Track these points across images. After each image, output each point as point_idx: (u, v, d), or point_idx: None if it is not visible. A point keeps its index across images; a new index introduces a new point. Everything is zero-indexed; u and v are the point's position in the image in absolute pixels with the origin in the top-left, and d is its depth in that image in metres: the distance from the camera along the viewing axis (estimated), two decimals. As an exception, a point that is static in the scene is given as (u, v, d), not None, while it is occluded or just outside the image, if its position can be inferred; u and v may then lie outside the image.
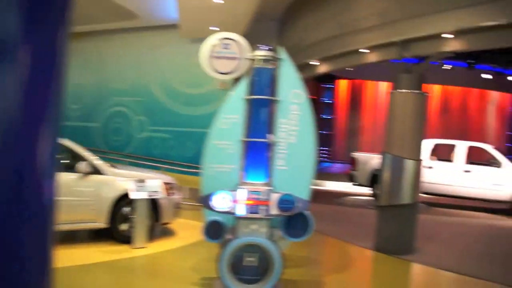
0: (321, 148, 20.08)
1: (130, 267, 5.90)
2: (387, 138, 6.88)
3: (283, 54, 4.75)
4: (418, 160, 6.76)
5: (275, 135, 4.68)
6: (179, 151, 14.29)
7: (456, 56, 15.75)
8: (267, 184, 4.59)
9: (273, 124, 4.69)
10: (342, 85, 20.12)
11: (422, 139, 6.85)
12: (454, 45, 6.28)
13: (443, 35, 6.29)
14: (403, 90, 6.62)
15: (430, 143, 12.31)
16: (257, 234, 4.49)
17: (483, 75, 17.38)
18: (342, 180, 15.26)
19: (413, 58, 6.90)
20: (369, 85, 19.92)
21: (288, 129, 4.67)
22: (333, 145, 20.24)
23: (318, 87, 18.34)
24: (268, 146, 4.67)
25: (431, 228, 9.25)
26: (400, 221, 6.81)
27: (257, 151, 4.67)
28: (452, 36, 6.22)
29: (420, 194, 12.48)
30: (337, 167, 19.24)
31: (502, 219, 11.22)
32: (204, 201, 4.60)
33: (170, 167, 13.09)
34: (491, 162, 11.76)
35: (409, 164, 6.64)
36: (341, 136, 20.19)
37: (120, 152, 15.13)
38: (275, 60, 4.72)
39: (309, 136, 4.69)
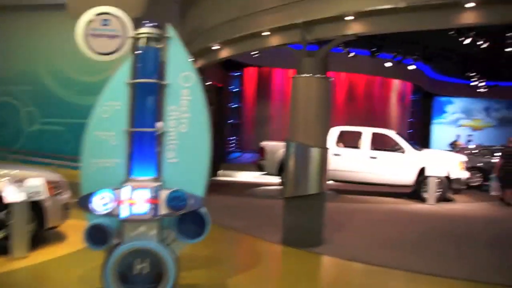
0: (230, 138, 19.79)
1: (6, 283, 5.11)
2: (291, 125, 6.62)
3: (171, 32, 4.23)
4: (324, 148, 6.57)
5: (164, 124, 4.18)
6: (75, 145, 13.16)
7: (359, 44, 16.10)
8: (156, 180, 4.09)
9: (161, 111, 4.19)
10: (250, 73, 19.87)
11: (327, 126, 6.68)
12: (356, 28, 6.14)
13: (346, 18, 6.12)
14: (306, 75, 6.38)
15: (336, 130, 12.41)
16: (146, 238, 3.99)
17: (386, 64, 17.99)
18: (252, 170, 15.08)
19: (316, 42, 6.68)
20: (278, 72, 19.83)
21: (179, 116, 4.19)
22: (242, 135, 20.00)
23: (226, 75, 17.93)
24: (156, 137, 4.17)
25: (340, 216, 9.24)
26: (307, 212, 6.60)
27: (144, 142, 4.14)
28: (353, 18, 6.07)
29: (328, 182, 12.67)
30: (247, 157, 19.06)
31: (406, 203, 11.60)
32: (83, 203, 4.01)
33: (64, 162, 12.06)
34: (395, 148, 12.10)
35: (314, 152, 6.43)
36: (250, 125, 19.99)
37: (7, 148, 13.72)
38: (162, 38, 4.19)
39: (202, 124, 4.24)
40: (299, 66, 6.50)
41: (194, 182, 4.19)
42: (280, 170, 12.36)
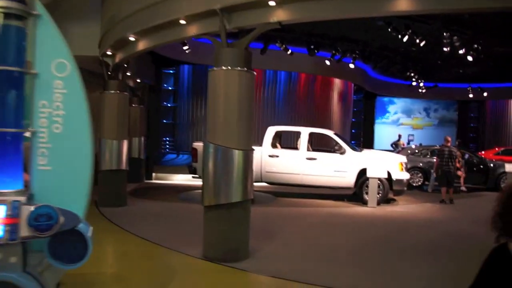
0: (165, 138, 18.87)
1: None
2: (209, 125, 5.94)
3: (40, 8, 3.44)
4: (247, 150, 5.92)
5: (32, 123, 3.41)
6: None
7: (297, 42, 15.67)
8: (22, 193, 3.30)
9: (29, 107, 3.41)
10: (185, 70, 18.99)
11: (250, 125, 6.03)
12: (279, 15, 5.52)
13: (268, 3, 5.50)
14: (225, 68, 5.72)
15: (272, 130, 11.87)
16: (3, 267, 3.18)
17: (327, 62, 17.61)
18: (187, 173, 14.29)
19: (237, 31, 6.03)
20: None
21: (51, 113, 3.43)
22: (177, 135, 19.09)
23: (159, 72, 16.98)
24: (23, 138, 3.39)
25: (274, 223, 8.68)
26: (230, 222, 5.94)
27: (6, 146, 3.35)
28: (275, 4, 5.46)
29: (264, 184, 12.15)
30: (183, 158, 18.23)
31: (346, 205, 11.21)
32: None
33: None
34: (334, 148, 11.67)
35: (236, 155, 5.77)
36: (185, 125, 19.12)
37: None
38: (27, 16, 3.40)
39: (81, 124, 3.50)
40: (218, 58, 5.83)
41: (72, 195, 3.46)
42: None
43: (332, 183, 11.49)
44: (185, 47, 13.73)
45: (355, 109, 26.15)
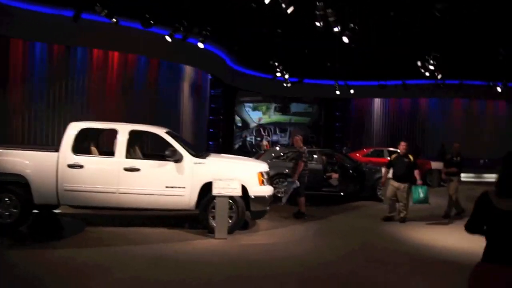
0: None
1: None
2: None
3: None
4: None
5: None
6: None
7: (130, 14, 12.20)
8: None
9: None
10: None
11: None
12: None
13: None
14: None
15: (75, 127, 8.15)
16: None
17: (168, 38, 14.07)
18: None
19: None
20: (21, 45, 14.30)
21: None
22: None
23: None
24: None
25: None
26: None
27: None
28: None
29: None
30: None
31: (185, 237, 7.96)
32: None
33: None
34: (167, 154, 8.22)
35: None
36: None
37: None
38: None
39: None
40: None
41: None
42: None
43: (163, 204, 8.12)
44: None
45: (213, 106, 23.22)
